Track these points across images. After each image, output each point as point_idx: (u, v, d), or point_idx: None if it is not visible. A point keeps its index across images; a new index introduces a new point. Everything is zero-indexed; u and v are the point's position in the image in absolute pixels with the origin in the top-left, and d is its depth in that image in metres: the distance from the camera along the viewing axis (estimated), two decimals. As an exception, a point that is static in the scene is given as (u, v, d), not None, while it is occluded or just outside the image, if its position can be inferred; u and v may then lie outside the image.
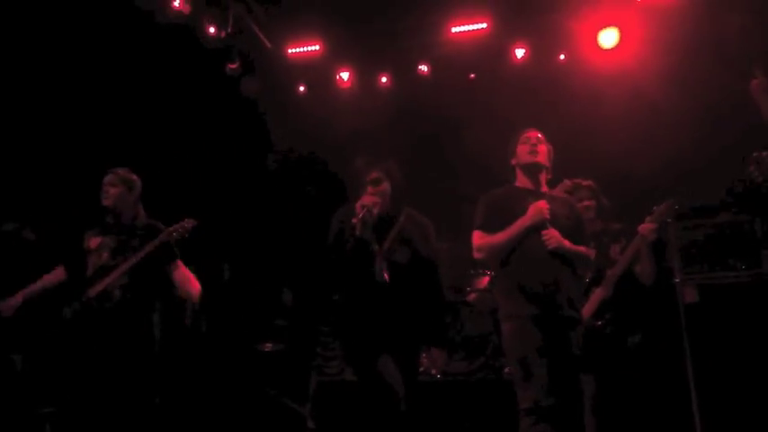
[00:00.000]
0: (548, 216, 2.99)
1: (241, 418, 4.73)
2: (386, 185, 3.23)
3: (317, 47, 6.80)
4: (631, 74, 5.89)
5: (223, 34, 6.03)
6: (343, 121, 6.61)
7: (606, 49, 6.13)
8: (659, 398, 4.13)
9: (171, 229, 3.53)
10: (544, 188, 3.19)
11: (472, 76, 6.70)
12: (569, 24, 6.17)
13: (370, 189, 3.21)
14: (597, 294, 3.56)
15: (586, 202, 3.71)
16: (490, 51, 6.45)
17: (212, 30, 5.98)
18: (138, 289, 3.47)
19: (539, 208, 2.99)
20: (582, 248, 3.08)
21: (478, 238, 3.10)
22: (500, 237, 3.04)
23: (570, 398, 2.88)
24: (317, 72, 6.90)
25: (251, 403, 4.42)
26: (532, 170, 3.15)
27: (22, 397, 3.90)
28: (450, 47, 6.53)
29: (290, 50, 6.85)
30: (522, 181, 3.20)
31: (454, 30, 6.36)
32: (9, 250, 3.98)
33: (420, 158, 6.46)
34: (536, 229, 2.99)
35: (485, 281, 5.37)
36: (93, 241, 3.56)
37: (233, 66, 6.55)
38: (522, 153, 3.15)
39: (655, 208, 3.62)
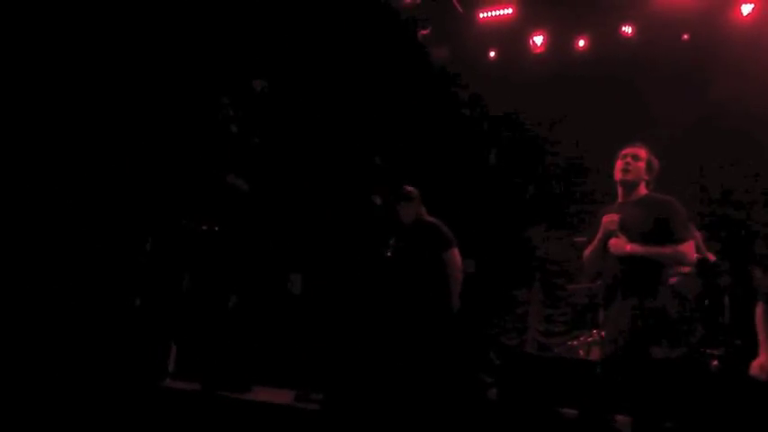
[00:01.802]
0: (613, 227, 3.29)
1: (423, 386, 4.82)
2: None
3: (510, 10, 6.57)
4: None
5: (418, 1, 6.04)
6: (535, 87, 6.34)
7: None
8: None
9: None
10: (640, 194, 3.41)
11: (685, 36, 5.99)
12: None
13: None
14: None
15: None
16: (710, 7, 5.73)
17: (408, -4, 6.02)
18: None
19: (606, 221, 3.31)
20: (662, 248, 3.22)
21: (584, 252, 3.52)
22: (587, 251, 3.48)
23: None
24: (509, 37, 6.66)
25: (433, 372, 4.47)
26: (625, 186, 3.42)
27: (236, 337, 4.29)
28: (660, 4, 5.92)
29: (481, 15, 6.69)
30: (620, 195, 3.47)
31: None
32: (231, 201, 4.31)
33: (621, 131, 6.00)
34: (608, 239, 3.33)
35: (690, 263, 4.87)
36: None
37: (425, 32, 6.56)
38: (617, 170, 3.43)
39: None
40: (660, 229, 3.25)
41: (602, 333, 5.03)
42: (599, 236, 3.38)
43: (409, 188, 4.20)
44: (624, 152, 3.43)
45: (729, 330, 4.58)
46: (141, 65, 4.81)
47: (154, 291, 4.18)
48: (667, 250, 3.23)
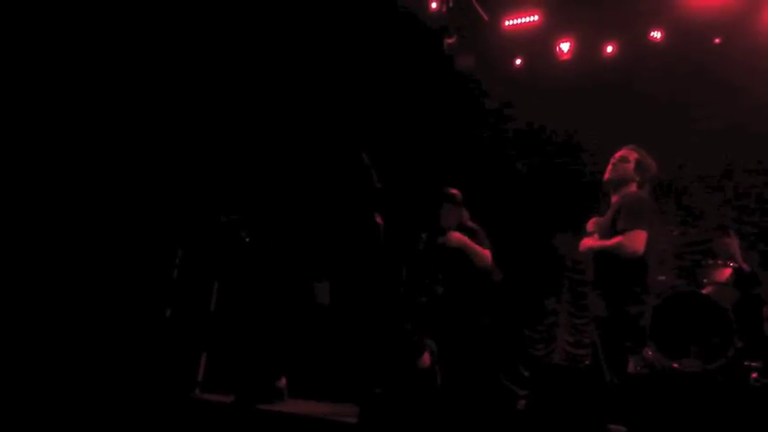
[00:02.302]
0: (589, 228, 3.58)
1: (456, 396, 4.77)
2: None
3: (536, 17, 6.52)
4: None
5: (444, 10, 6.03)
6: (563, 95, 6.27)
7: None
8: None
9: None
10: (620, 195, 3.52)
11: (717, 41, 5.87)
12: None
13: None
14: None
15: None
16: (741, 11, 5.61)
17: (434, 5, 6.01)
18: None
19: (589, 223, 3.61)
20: (604, 242, 3.37)
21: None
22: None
23: None
24: (535, 44, 6.60)
25: (464, 379, 4.42)
26: (609, 186, 3.60)
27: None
28: (690, 9, 5.81)
29: (506, 22, 6.65)
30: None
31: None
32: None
33: (652, 139, 5.90)
34: None
35: (726, 272, 4.74)
36: None
37: (451, 41, 6.54)
38: (605, 172, 3.62)
39: None
40: (612, 225, 3.40)
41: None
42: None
43: (453, 190, 4.19)
44: (614, 155, 3.63)
45: (769, 342, 4.46)
46: (161, 69, 4.87)
47: (184, 301, 4.21)
48: (609, 243, 3.34)
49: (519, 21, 6.60)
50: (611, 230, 3.39)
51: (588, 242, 3.51)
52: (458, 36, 6.53)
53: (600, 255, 3.40)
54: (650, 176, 3.60)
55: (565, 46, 6.48)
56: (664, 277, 4.99)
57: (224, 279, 4.16)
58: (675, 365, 4.59)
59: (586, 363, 5.49)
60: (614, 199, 3.57)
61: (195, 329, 4.02)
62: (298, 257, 4.08)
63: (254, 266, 3.97)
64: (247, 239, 3.92)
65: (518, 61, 6.79)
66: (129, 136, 4.71)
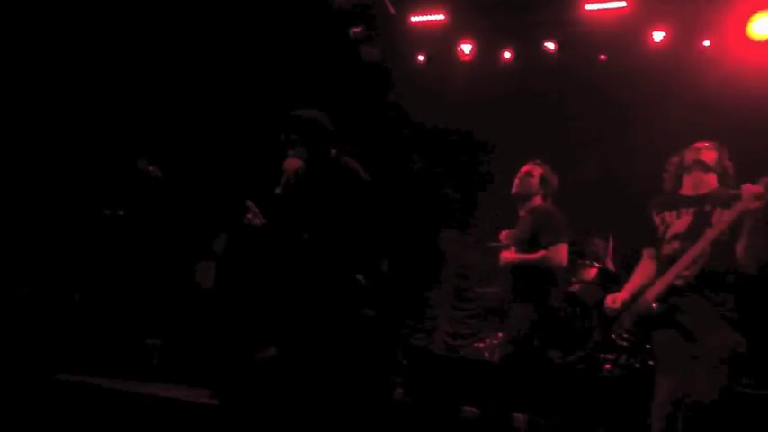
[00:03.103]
0: (504, 240, 3.74)
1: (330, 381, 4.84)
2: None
3: (442, 16, 6.68)
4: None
5: (352, -2, 6.04)
6: (461, 94, 6.48)
7: (758, 40, 5.57)
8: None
9: None
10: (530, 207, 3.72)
11: (603, 57, 6.30)
12: (717, 8, 5.65)
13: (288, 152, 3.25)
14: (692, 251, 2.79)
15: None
16: (626, 33, 6.04)
17: (342, -8, 6.01)
18: None
19: (502, 236, 3.77)
20: (531, 255, 3.55)
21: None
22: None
23: None
24: (439, 42, 6.77)
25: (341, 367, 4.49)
26: (516, 199, 3.77)
27: (134, 328, 4.17)
28: (582, 25, 6.19)
29: (413, 18, 6.77)
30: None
31: (588, 7, 6.02)
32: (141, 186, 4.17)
33: (536, 140, 6.23)
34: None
35: (592, 272, 5.13)
36: None
37: (356, 30, 6.56)
38: (512, 186, 3.77)
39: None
40: (535, 237, 3.59)
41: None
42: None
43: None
44: (521, 170, 3.78)
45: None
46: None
47: (48, 279, 4.00)
48: (533, 256, 3.55)
49: (425, 18, 6.74)
50: (530, 244, 3.58)
51: (509, 255, 3.66)
52: (364, 26, 6.57)
53: (522, 267, 3.58)
54: (552, 190, 3.76)
55: (466, 47, 6.70)
56: None
57: (92, 258, 3.99)
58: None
59: (462, 353, 5.75)
60: (521, 212, 3.75)
61: (56, 310, 3.82)
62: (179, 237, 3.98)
63: (127, 245, 3.84)
64: (120, 213, 3.77)
65: (421, 57, 6.93)
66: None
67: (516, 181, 3.75)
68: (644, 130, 5.83)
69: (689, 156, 3.01)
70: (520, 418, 4.06)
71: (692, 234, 2.79)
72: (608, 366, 4.60)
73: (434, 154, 6.88)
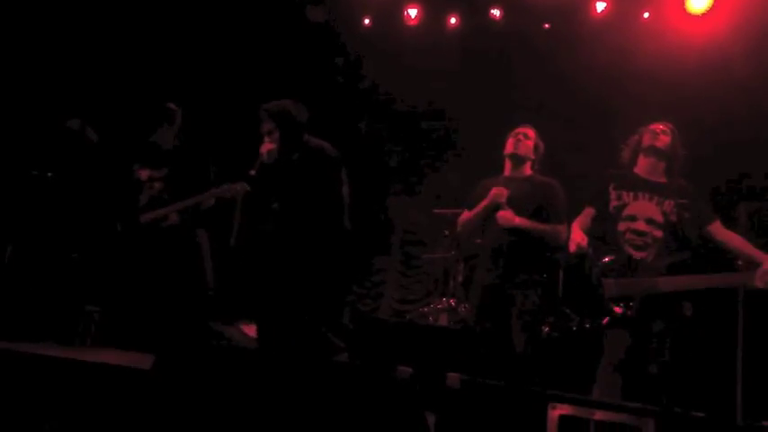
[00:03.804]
0: (502, 200, 3.54)
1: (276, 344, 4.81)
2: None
3: (388, -21, 6.56)
4: (721, 45, 5.48)
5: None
6: (407, 58, 6.43)
7: (695, 14, 5.74)
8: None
9: (217, 190, 3.69)
10: (526, 174, 3.69)
11: (546, 26, 6.35)
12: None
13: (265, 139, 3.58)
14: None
15: None
16: (570, 2, 6.10)
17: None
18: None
19: (495, 192, 3.55)
20: (543, 225, 3.53)
21: (462, 215, 3.79)
22: (468, 214, 3.71)
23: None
24: (385, 6, 6.66)
25: (288, 330, 4.47)
26: (514, 160, 3.68)
27: (73, 294, 4.03)
28: (528, -8, 6.21)
29: (359, -20, 6.63)
30: (507, 170, 3.73)
31: (533, -25, 6.04)
32: (73, 148, 4.03)
33: (478, 108, 6.28)
34: (493, 209, 3.57)
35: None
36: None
37: (302, -10, 6.39)
38: (509, 145, 3.70)
39: None
40: (542, 209, 3.56)
41: (452, 300, 5.33)
42: (483, 204, 3.61)
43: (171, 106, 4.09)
44: (516, 130, 3.72)
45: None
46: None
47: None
48: (548, 228, 3.54)
49: (371, -20, 6.59)
50: (533, 214, 3.54)
51: (517, 218, 3.49)
52: (309, -13, 6.41)
53: (524, 234, 3.50)
54: (540, 157, 3.74)
55: (413, 12, 6.62)
56: (480, 240, 5.40)
57: (21, 222, 3.81)
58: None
59: (408, 318, 5.83)
60: (511, 175, 3.68)
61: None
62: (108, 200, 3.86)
63: (58, 208, 3.68)
64: (49, 174, 3.60)
65: (367, 21, 6.81)
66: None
67: (511, 140, 3.69)
68: (586, 98, 5.95)
69: (646, 139, 3.41)
70: (454, 377, 4.16)
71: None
72: (547, 329, 4.74)
73: (381, 118, 6.83)
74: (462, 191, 6.39)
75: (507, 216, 3.52)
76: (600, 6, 6.00)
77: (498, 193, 3.57)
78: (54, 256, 3.89)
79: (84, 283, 4.00)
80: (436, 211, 5.93)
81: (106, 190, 3.82)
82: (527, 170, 3.73)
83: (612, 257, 3.29)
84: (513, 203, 3.56)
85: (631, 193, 3.36)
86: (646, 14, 5.97)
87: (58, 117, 3.96)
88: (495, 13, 6.37)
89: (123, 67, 5.43)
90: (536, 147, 3.73)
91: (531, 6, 6.26)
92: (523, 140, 3.69)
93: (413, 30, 6.61)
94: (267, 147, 3.56)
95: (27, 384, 2.88)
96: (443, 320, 5.28)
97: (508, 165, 3.75)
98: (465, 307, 5.21)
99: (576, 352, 4.30)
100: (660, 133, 3.40)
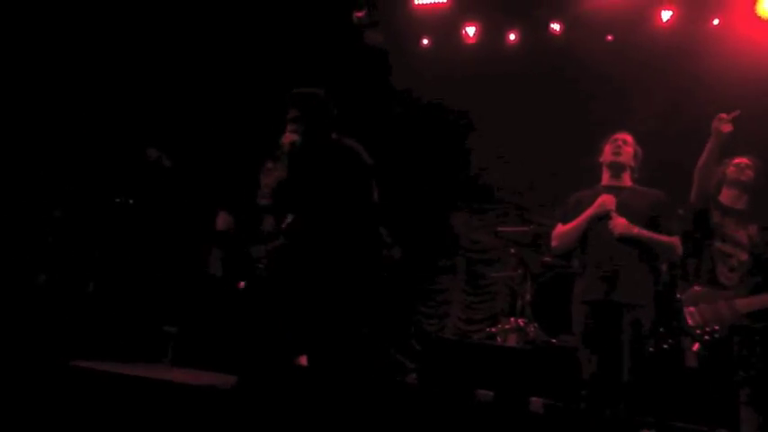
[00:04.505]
0: (612, 207, 3.28)
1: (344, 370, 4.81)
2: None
3: (445, -1, 6.60)
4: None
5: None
6: (466, 78, 6.42)
7: (767, 18, 5.52)
8: None
9: None
10: (626, 184, 3.43)
11: (610, 38, 6.23)
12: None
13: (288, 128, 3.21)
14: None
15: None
16: (633, 12, 5.98)
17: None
18: None
19: (603, 200, 3.31)
20: (661, 236, 3.25)
21: (556, 229, 3.50)
22: (569, 225, 3.42)
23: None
24: (443, 26, 6.70)
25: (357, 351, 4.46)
26: (615, 168, 3.43)
27: (150, 315, 4.14)
28: (588, 5, 6.12)
29: (416, 1, 6.69)
30: (605, 179, 3.48)
31: (594, -14, 5.96)
32: (152, 175, 4.18)
33: (544, 123, 6.19)
34: (600, 218, 3.29)
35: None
36: None
37: (360, 14, 6.49)
38: (608, 153, 3.45)
39: None
40: (652, 219, 3.28)
41: (521, 320, 5.21)
42: (588, 214, 3.32)
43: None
44: (614, 136, 3.46)
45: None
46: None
47: (61, 267, 3.95)
48: (665, 240, 3.26)
49: (428, 1, 6.65)
50: (647, 224, 3.26)
51: (632, 228, 3.22)
52: (367, 11, 6.50)
53: (642, 244, 3.24)
54: (639, 164, 3.48)
55: (471, 30, 6.62)
56: (549, 258, 5.28)
57: (105, 246, 3.94)
58: (554, 341, 4.91)
59: (475, 338, 5.73)
60: (612, 182, 3.42)
61: (70, 296, 3.78)
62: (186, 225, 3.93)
63: (139, 233, 3.80)
64: (131, 201, 3.72)
65: (425, 41, 6.85)
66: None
67: (609, 147, 3.43)
68: (652, 111, 5.78)
69: (731, 172, 3.47)
70: (537, 401, 4.04)
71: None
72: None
73: (443, 138, 6.81)
74: (526, 208, 6.35)
75: (624, 224, 3.23)
76: (666, 15, 5.85)
77: (607, 200, 3.31)
78: (135, 278, 4.01)
79: (162, 305, 4.10)
80: (501, 229, 5.84)
81: (182, 214, 3.91)
82: (627, 180, 3.46)
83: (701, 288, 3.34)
84: (622, 213, 3.28)
85: (728, 219, 3.42)
86: (715, 21, 5.78)
87: (137, 146, 4.12)
88: (556, 27, 6.29)
89: (198, 97, 5.58)
90: (635, 154, 3.47)
91: (592, 19, 6.16)
92: (623, 147, 3.43)
93: (471, 48, 6.61)
94: (289, 137, 3.20)
95: (111, 402, 2.96)
96: (512, 341, 5.16)
97: (606, 174, 3.48)
98: (534, 327, 5.09)
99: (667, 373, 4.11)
100: (745, 168, 3.48)
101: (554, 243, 3.53)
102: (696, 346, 3.26)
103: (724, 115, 3.33)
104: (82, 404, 2.95)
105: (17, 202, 4.03)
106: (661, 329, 4.36)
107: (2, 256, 3.96)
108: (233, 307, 4.19)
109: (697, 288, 3.39)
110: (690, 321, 3.30)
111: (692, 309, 3.30)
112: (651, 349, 4.35)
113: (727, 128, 3.31)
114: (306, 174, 3.13)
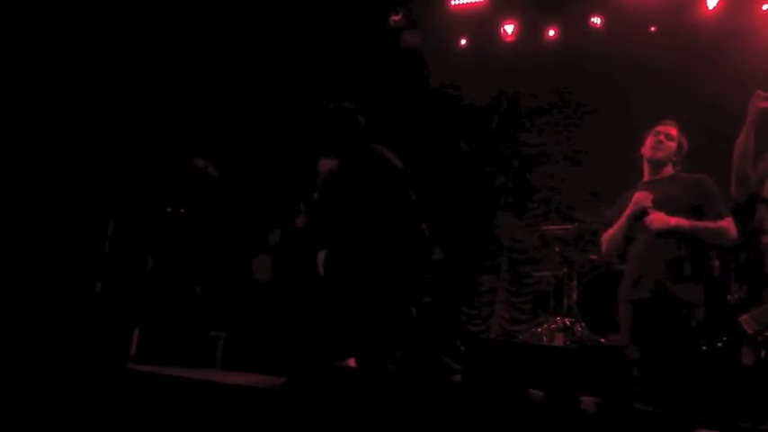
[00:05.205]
0: (648, 204, 3.16)
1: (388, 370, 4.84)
2: None
3: (483, -2, 6.57)
4: None
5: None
6: (506, 76, 6.37)
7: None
8: None
9: None
10: (669, 173, 3.31)
11: (653, 29, 6.06)
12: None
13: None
14: None
15: None
16: (676, 2, 5.82)
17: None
18: None
19: (639, 197, 3.21)
20: (707, 222, 3.10)
21: (604, 234, 3.45)
22: (612, 229, 3.35)
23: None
24: (481, 25, 6.66)
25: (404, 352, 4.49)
26: (654, 164, 3.33)
27: (198, 321, 4.27)
28: (629, -3, 6.00)
29: (453, 2, 6.68)
30: (646, 174, 3.38)
31: (634, -23, 5.83)
32: (200, 185, 4.30)
33: (585, 121, 6.09)
34: (637, 217, 3.20)
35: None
36: None
37: (396, 18, 6.52)
38: (648, 147, 3.33)
39: None
40: (696, 206, 3.13)
41: (567, 319, 5.13)
42: (626, 214, 3.23)
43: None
44: (658, 128, 3.31)
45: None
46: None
47: (117, 275, 4.12)
48: (711, 225, 3.08)
49: (465, 0, 6.64)
50: (692, 212, 3.13)
51: (671, 218, 3.10)
52: (404, 13, 6.53)
53: (685, 236, 3.10)
54: (683, 156, 3.35)
55: (509, 28, 6.57)
56: (595, 256, 5.19)
57: (158, 252, 4.09)
58: (602, 340, 4.82)
59: (520, 338, 5.67)
60: (653, 176, 3.31)
61: (127, 303, 3.94)
62: (233, 233, 4.04)
63: (188, 241, 3.92)
64: (182, 210, 3.84)
65: (463, 41, 6.83)
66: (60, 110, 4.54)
67: (651, 140, 3.29)
68: (704, 103, 5.60)
69: None
70: (587, 400, 3.98)
71: None
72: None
73: (482, 138, 6.77)
74: (570, 206, 6.24)
75: (661, 218, 3.11)
76: (712, 2, 5.66)
77: (642, 197, 3.20)
78: (187, 285, 4.13)
79: (209, 310, 4.22)
80: (544, 227, 5.77)
81: (228, 220, 4.02)
82: (669, 170, 3.33)
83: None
84: (662, 206, 3.15)
85: None
86: (765, 6, 5.56)
87: (185, 156, 4.26)
88: (596, 20, 6.18)
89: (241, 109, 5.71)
90: (679, 147, 3.33)
91: (633, 10, 6.03)
92: (665, 142, 3.28)
93: (510, 46, 6.56)
94: (327, 163, 3.43)
95: (166, 403, 3.07)
96: (559, 340, 5.09)
97: (647, 169, 3.37)
98: (581, 326, 5.01)
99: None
100: None
101: (602, 248, 3.48)
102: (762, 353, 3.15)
103: (761, 92, 3.21)
104: (138, 405, 3.08)
105: (75, 215, 4.23)
106: (714, 327, 4.23)
107: (63, 265, 4.15)
108: (280, 310, 4.29)
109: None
110: (748, 330, 3.19)
111: (745, 317, 3.20)
112: (704, 347, 4.22)
113: (765, 104, 3.18)
114: (341, 188, 3.32)
